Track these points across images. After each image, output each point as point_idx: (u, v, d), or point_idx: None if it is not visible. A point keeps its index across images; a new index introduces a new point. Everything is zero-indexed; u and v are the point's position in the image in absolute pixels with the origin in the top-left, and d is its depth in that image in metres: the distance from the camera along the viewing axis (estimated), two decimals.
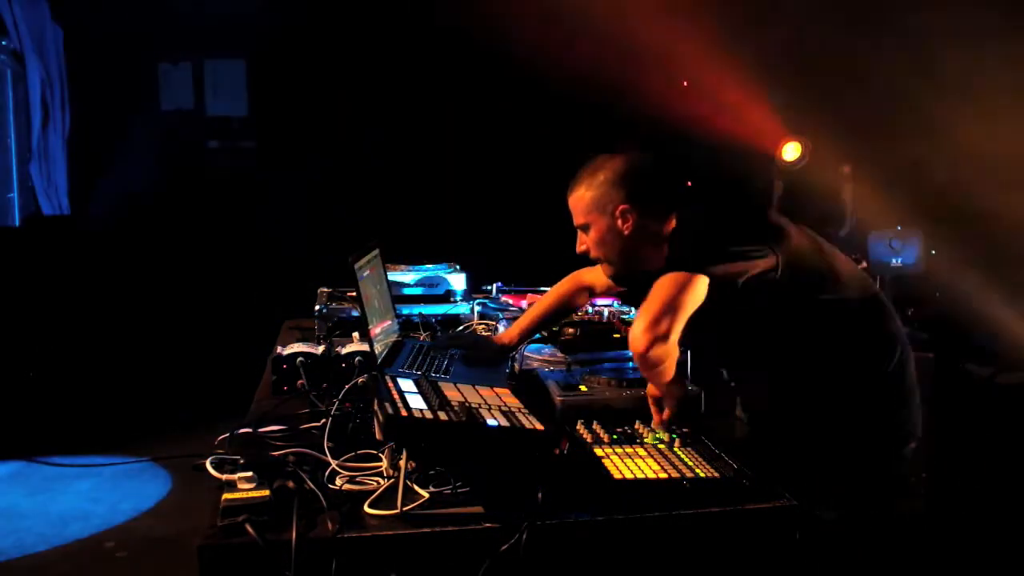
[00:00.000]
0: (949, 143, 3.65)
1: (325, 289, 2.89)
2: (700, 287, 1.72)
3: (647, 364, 1.70)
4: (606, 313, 2.38)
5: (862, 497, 1.88)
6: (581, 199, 1.91)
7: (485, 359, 2.15)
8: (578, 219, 1.93)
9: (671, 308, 1.69)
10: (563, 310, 2.29)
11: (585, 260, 2.04)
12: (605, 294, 2.31)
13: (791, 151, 4.97)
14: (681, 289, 1.70)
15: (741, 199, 1.87)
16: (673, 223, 1.88)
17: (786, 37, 4.69)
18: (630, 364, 2.19)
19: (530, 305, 2.53)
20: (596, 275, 2.23)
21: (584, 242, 1.95)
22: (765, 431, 2.06)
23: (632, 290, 2.06)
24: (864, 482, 1.88)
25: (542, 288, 3.00)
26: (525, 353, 2.24)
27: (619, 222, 1.87)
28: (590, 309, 2.42)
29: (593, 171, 1.90)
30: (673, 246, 1.83)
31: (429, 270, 2.96)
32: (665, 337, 1.67)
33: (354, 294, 2.07)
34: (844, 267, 1.90)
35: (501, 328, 2.56)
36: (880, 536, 1.88)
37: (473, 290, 3.00)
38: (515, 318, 2.52)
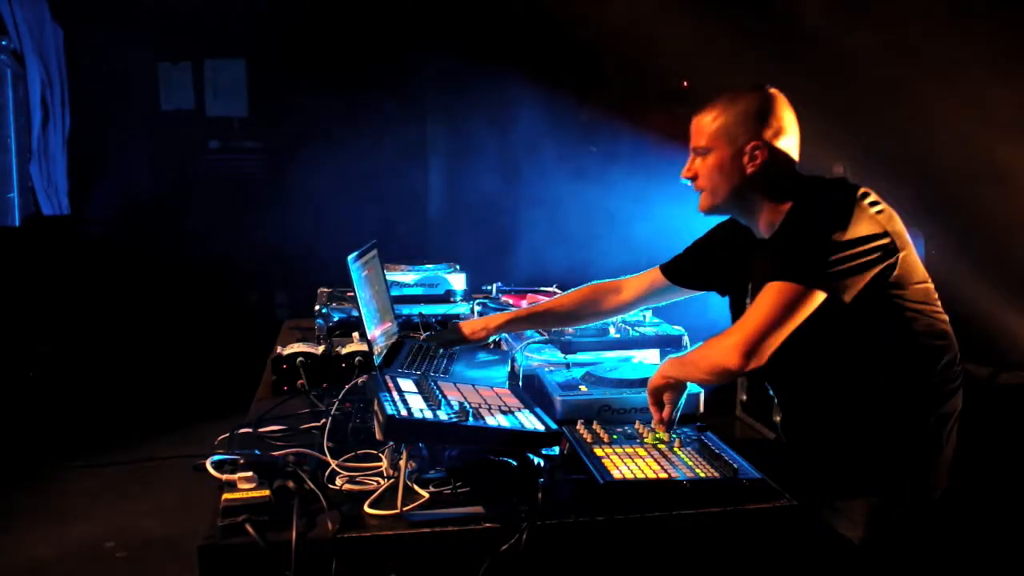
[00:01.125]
0: (949, 142, 3.65)
1: (325, 289, 2.89)
2: (812, 303, 1.61)
3: (720, 379, 1.64)
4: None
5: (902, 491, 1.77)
6: (712, 122, 1.77)
7: (446, 339, 2.18)
8: (699, 141, 1.80)
9: (775, 326, 1.60)
10: (573, 313, 2.18)
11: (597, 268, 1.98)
12: (634, 303, 2.18)
13: None
14: (791, 306, 1.60)
15: (847, 189, 1.73)
16: (789, 203, 1.75)
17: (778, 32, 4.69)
18: (630, 364, 2.19)
19: (530, 305, 2.53)
20: (628, 281, 2.17)
21: (695, 169, 1.82)
22: (802, 436, 1.92)
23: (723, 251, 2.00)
24: (906, 473, 1.76)
25: (543, 288, 2.99)
26: (525, 353, 2.24)
27: (746, 157, 1.75)
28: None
29: (733, 97, 1.77)
30: (788, 245, 1.70)
31: (429, 270, 2.96)
32: (760, 358, 1.61)
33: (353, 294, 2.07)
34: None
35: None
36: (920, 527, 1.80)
37: (473, 290, 3.00)
38: None
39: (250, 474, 1.44)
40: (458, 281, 2.93)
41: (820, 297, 1.62)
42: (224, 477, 1.45)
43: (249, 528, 1.34)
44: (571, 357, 2.17)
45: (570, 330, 2.29)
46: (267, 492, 1.41)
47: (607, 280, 2.20)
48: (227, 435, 1.83)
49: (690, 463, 1.59)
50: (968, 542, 3.09)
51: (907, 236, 1.74)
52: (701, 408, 1.95)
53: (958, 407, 1.80)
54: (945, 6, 3.50)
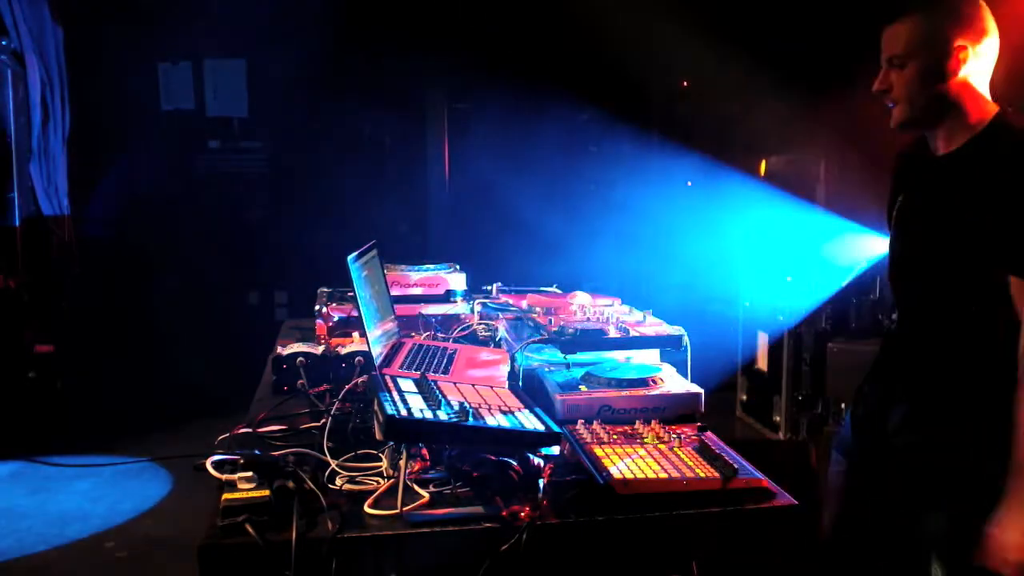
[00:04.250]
0: None
1: (325, 289, 2.89)
2: None
3: None
4: (606, 313, 2.38)
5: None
6: (911, 29, 1.66)
7: None
8: (896, 49, 1.68)
9: None
10: None
11: None
12: None
13: None
14: None
15: None
16: (990, 117, 1.66)
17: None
18: (630, 364, 2.19)
19: (530, 305, 2.53)
20: None
21: (889, 80, 1.70)
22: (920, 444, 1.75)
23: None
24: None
25: (543, 288, 2.99)
26: (525, 353, 2.24)
27: (950, 61, 1.63)
28: (591, 311, 2.41)
29: (932, 2, 1.67)
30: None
31: (429, 270, 2.96)
32: None
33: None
34: None
35: (500, 329, 2.56)
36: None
37: (473, 290, 3.00)
38: (517, 318, 2.51)
39: (250, 474, 1.44)
40: (458, 281, 2.93)
41: None
42: (224, 477, 1.45)
43: (249, 528, 1.34)
44: (571, 357, 2.17)
45: (570, 330, 2.29)
46: (267, 492, 1.41)
47: None
48: (227, 435, 1.83)
49: (690, 463, 1.58)
50: None
51: None
52: (701, 408, 1.95)
53: None
54: None
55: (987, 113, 1.68)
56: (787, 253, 4.46)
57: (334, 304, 2.71)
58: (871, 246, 4.08)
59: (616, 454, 1.61)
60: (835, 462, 1.98)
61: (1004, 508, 1.55)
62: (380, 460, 1.62)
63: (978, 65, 1.67)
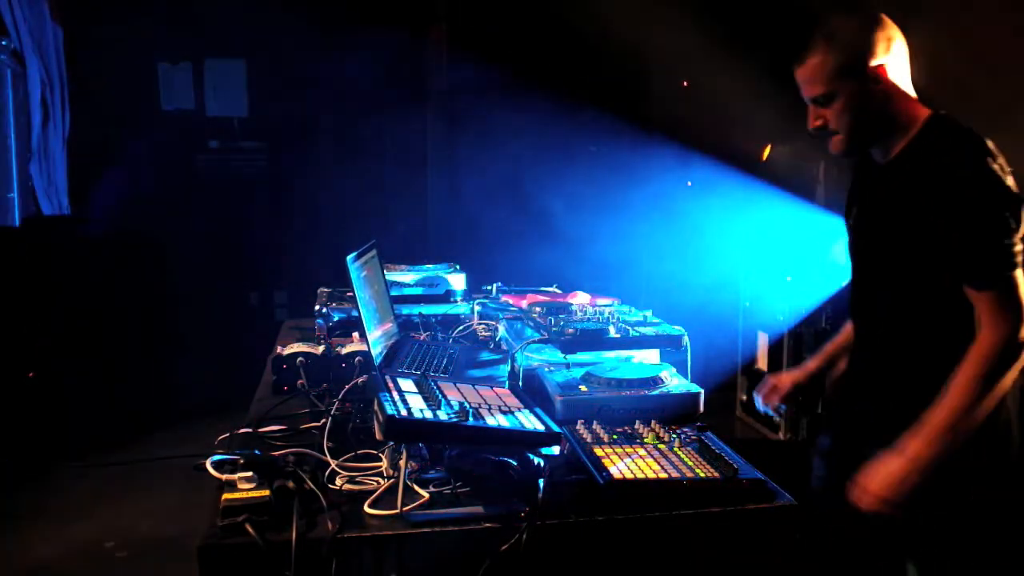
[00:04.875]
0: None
1: (325, 289, 2.89)
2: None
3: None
4: (606, 313, 2.38)
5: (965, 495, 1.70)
6: (824, 66, 1.68)
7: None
8: (817, 89, 1.71)
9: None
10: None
11: None
12: None
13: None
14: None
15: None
16: (921, 121, 1.69)
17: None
18: (630, 364, 2.19)
19: (530, 305, 2.53)
20: None
21: (821, 115, 1.73)
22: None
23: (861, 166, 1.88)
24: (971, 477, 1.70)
25: (543, 288, 2.99)
26: (525, 353, 2.24)
27: (871, 84, 1.67)
28: (591, 311, 2.41)
29: (832, 33, 1.68)
30: (969, 242, 1.59)
31: (429, 270, 2.96)
32: None
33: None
34: None
35: (500, 329, 2.56)
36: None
37: (473, 290, 3.00)
38: (516, 318, 2.52)
39: (250, 474, 1.44)
40: (458, 281, 2.93)
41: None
42: (224, 477, 1.45)
43: (249, 528, 1.34)
44: (571, 357, 2.17)
45: (570, 330, 2.29)
46: (267, 492, 1.41)
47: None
48: (227, 435, 1.83)
49: (690, 463, 1.59)
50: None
51: None
52: (701, 408, 1.95)
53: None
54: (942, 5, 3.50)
55: (918, 115, 1.72)
56: (787, 253, 4.46)
57: (334, 304, 2.71)
58: None
59: (616, 454, 1.62)
60: (816, 467, 2.02)
61: (883, 455, 1.64)
62: (380, 460, 1.62)
63: (897, 72, 1.71)
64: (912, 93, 1.74)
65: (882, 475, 1.62)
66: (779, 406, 2.06)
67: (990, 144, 1.63)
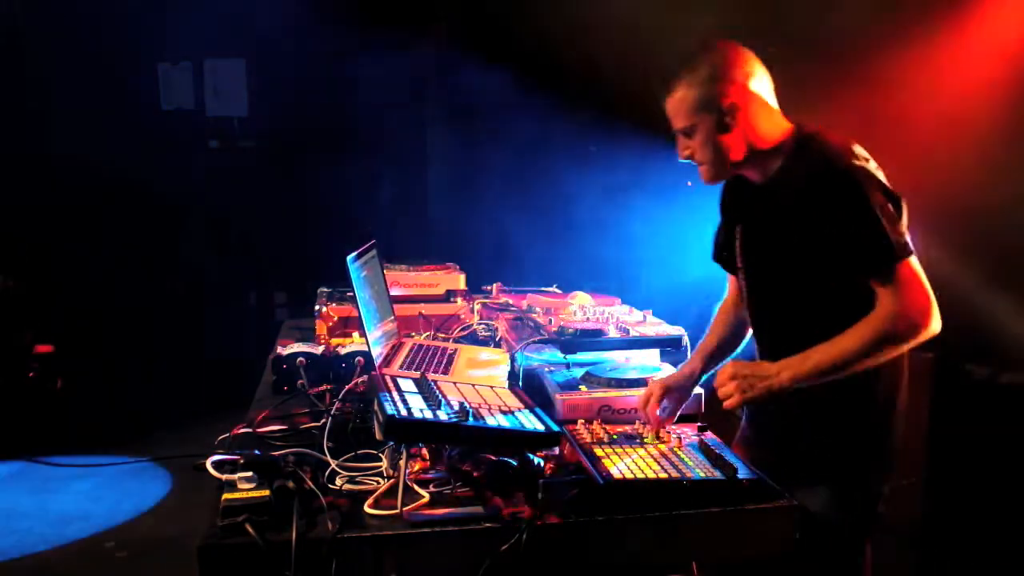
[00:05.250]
0: (948, 139, 3.63)
1: (325, 289, 2.88)
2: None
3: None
4: (606, 313, 2.38)
5: (851, 473, 1.83)
6: (684, 100, 1.75)
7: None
8: (681, 122, 1.78)
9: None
10: (732, 337, 2.08)
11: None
12: None
13: None
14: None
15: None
16: (790, 139, 1.77)
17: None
18: (630, 364, 2.19)
19: (530, 306, 2.53)
20: (730, 289, 2.10)
21: (688, 147, 1.81)
22: (765, 418, 1.99)
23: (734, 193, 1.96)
24: (853, 455, 1.83)
25: (543, 288, 2.99)
26: (525, 353, 2.24)
27: (727, 119, 1.74)
28: (591, 311, 2.41)
29: (692, 68, 1.75)
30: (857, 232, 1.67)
31: (429, 270, 2.96)
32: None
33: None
34: None
35: (500, 328, 2.56)
36: (869, 516, 1.85)
37: (473, 290, 3.00)
38: (518, 318, 2.52)
39: (250, 474, 1.44)
40: (458, 281, 2.93)
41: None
42: (224, 477, 1.45)
43: (249, 528, 1.34)
44: (571, 357, 2.17)
45: (570, 330, 2.29)
46: (267, 492, 1.41)
47: (723, 300, 2.14)
48: (227, 435, 1.83)
49: (690, 463, 1.59)
50: (968, 542, 3.09)
51: None
52: (701, 408, 1.95)
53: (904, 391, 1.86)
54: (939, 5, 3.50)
55: (785, 135, 1.78)
56: None
57: (334, 304, 2.71)
58: None
59: (616, 454, 1.62)
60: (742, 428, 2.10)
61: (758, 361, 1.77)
62: (380, 460, 1.62)
63: (757, 100, 1.76)
64: (776, 109, 1.81)
65: (752, 366, 1.72)
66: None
67: (858, 149, 1.74)
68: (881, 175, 1.72)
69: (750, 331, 2.04)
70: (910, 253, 1.67)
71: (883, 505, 1.86)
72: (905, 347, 1.70)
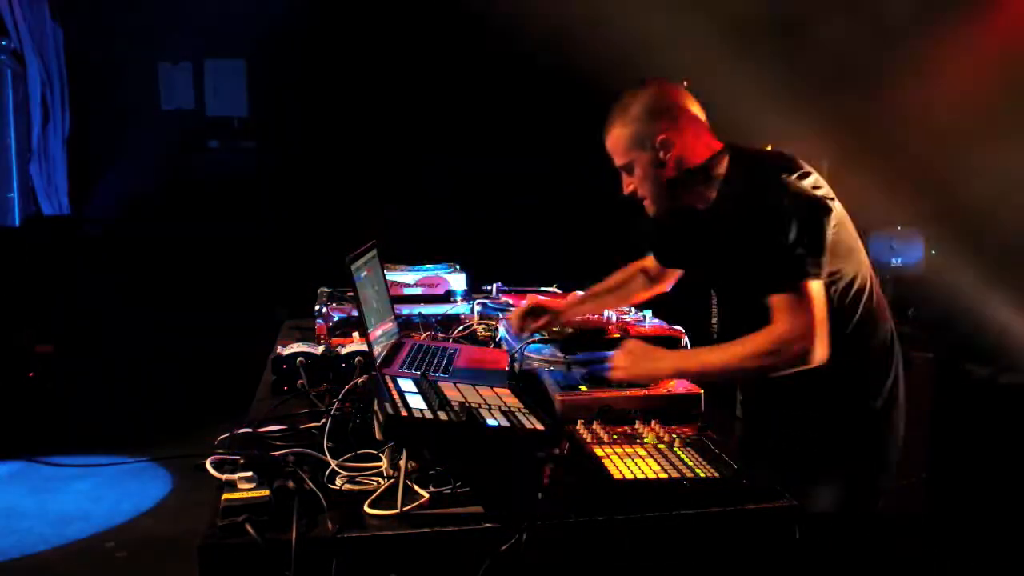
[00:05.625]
0: (948, 140, 3.64)
1: (325, 289, 2.89)
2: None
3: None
4: (607, 313, 2.38)
5: (851, 472, 1.86)
6: (619, 139, 1.84)
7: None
8: (619, 160, 1.87)
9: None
10: (622, 292, 2.31)
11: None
12: (663, 280, 2.29)
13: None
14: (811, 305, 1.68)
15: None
16: (724, 165, 1.83)
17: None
18: None
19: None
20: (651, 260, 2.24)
21: (630, 183, 1.89)
22: (759, 419, 2.09)
23: (676, 232, 2.05)
24: (853, 454, 1.86)
25: (543, 288, 2.99)
26: (525, 353, 2.24)
27: (661, 154, 1.81)
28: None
29: (624, 107, 1.83)
30: (764, 243, 1.72)
31: (429, 270, 2.96)
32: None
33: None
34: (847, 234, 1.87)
35: (500, 328, 2.56)
36: (870, 515, 1.87)
37: (473, 290, 3.00)
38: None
39: (250, 474, 1.44)
40: (458, 281, 2.93)
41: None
42: (224, 477, 1.45)
43: (249, 528, 1.34)
44: (571, 357, 2.17)
45: (570, 329, 2.29)
46: (267, 492, 1.41)
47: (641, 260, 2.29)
48: (227, 435, 1.82)
49: (690, 463, 1.58)
50: (968, 542, 3.09)
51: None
52: (701, 408, 1.95)
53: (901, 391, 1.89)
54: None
55: (719, 161, 1.84)
56: None
57: (334, 304, 2.71)
58: (870, 246, 4.08)
59: (616, 454, 1.61)
60: (742, 428, 2.25)
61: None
62: (380, 460, 1.62)
63: (689, 134, 1.82)
64: (709, 136, 1.86)
65: (646, 349, 1.84)
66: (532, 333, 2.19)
67: (788, 161, 1.80)
68: (810, 190, 1.75)
69: (648, 296, 2.28)
70: (804, 277, 1.68)
71: (883, 504, 1.87)
72: (783, 369, 1.72)
